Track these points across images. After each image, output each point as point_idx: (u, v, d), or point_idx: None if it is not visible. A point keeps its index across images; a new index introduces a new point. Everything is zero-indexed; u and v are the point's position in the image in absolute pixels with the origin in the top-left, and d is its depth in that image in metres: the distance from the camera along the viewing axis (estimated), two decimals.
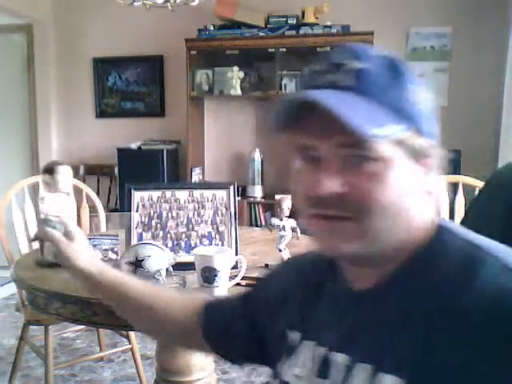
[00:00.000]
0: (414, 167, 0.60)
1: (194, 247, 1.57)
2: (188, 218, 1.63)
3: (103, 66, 4.30)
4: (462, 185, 2.22)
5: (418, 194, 0.61)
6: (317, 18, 3.67)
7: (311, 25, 3.65)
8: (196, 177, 3.94)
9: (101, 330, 2.61)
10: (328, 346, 0.66)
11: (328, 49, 3.64)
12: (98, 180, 4.17)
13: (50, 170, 1.07)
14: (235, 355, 0.87)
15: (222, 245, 1.60)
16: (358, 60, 0.60)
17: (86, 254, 0.93)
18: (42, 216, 1.02)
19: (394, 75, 0.60)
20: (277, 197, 3.46)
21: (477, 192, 1.61)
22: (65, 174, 1.02)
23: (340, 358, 0.63)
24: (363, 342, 0.62)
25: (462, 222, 0.85)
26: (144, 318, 0.91)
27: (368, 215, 0.59)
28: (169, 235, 1.61)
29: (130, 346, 2.41)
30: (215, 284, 1.33)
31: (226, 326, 0.85)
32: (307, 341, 0.69)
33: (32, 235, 1.01)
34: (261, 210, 3.90)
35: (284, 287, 0.79)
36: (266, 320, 0.79)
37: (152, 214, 1.63)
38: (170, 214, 1.63)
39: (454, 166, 3.27)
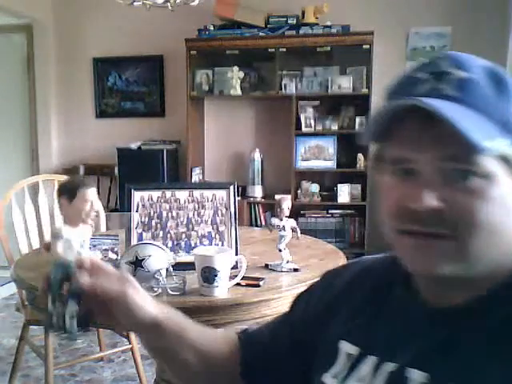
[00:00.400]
0: None
1: (194, 247, 1.57)
2: (188, 218, 1.63)
3: (103, 66, 4.30)
4: None
5: None
6: (317, 18, 3.68)
7: (311, 25, 3.65)
8: (196, 177, 3.94)
9: (101, 329, 2.61)
10: (400, 362, 0.62)
11: (328, 49, 3.64)
12: (98, 180, 4.16)
13: (71, 193, 0.76)
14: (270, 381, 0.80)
15: (222, 245, 1.60)
16: (461, 69, 0.57)
17: (148, 297, 0.73)
18: (60, 261, 0.68)
19: (499, 86, 0.57)
20: (277, 197, 3.46)
21: None
22: (92, 198, 0.73)
23: (417, 375, 0.59)
24: (447, 361, 0.58)
25: None
26: (197, 366, 0.77)
27: (468, 234, 0.55)
28: (169, 235, 1.61)
29: (130, 346, 2.41)
30: (215, 284, 1.33)
31: (264, 349, 0.80)
32: (369, 355, 0.65)
33: (39, 288, 0.71)
34: (261, 210, 3.91)
35: (332, 297, 0.75)
36: (311, 332, 0.75)
37: (152, 214, 1.62)
38: (169, 214, 1.63)
39: None
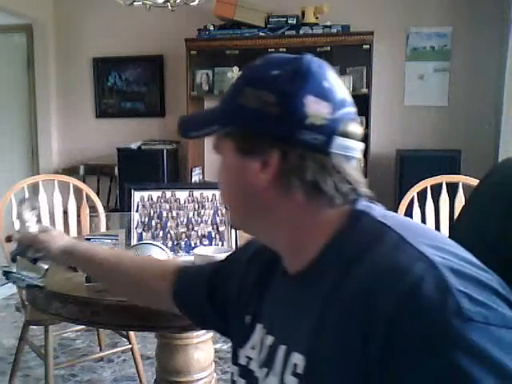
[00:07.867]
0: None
1: (194, 247, 1.57)
2: (188, 218, 1.63)
3: (103, 66, 4.30)
4: (462, 185, 2.22)
5: None
6: (317, 18, 3.68)
7: (311, 25, 3.65)
8: (196, 177, 3.94)
9: (101, 329, 2.61)
10: (267, 328, 0.69)
11: (328, 49, 3.64)
12: (98, 180, 4.17)
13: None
14: (202, 322, 0.91)
15: (222, 245, 1.60)
16: None
17: (62, 237, 1.09)
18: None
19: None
20: None
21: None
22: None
23: (268, 341, 0.67)
24: (285, 326, 0.65)
25: (459, 218, 0.84)
26: (116, 280, 1.01)
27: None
28: (169, 235, 1.61)
29: (130, 346, 2.41)
30: None
31: (195, 295, 0.87)
32: (258, 323, 0.72)
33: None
34: None
35: (243, 266, 0.80)
36: (230, 298, 0.80)
37: (152, 214, 1.63)
38: (169, 214, 1.63)
39: (454, 165, 3.28)
